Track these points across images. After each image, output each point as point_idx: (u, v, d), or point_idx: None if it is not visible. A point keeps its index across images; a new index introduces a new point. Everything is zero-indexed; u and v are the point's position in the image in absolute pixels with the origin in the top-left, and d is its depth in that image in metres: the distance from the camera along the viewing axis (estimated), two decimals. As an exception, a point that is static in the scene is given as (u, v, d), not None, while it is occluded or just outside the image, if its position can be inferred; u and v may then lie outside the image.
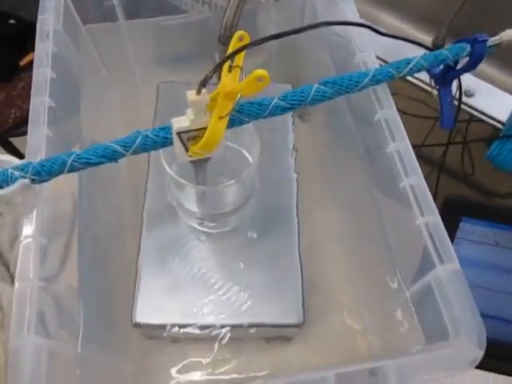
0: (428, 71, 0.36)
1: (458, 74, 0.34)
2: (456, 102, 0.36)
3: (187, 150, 0.28)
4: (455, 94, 0.42)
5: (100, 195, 0.40)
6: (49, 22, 0.36)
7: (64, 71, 0.36)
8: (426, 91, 0.50)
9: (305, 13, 0.44)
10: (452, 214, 0.36)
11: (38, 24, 0.36)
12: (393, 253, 0.32)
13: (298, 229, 0.37)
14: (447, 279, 0.25)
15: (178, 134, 0.27)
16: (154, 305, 0.33)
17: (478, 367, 0.37)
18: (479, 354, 0.24)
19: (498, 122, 0.46)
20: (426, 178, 0.29)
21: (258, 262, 0.35)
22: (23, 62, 0.54)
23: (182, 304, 0.34)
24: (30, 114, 0.31)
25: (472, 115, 0.47)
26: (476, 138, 0.46)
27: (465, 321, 0.24)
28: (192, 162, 0.29)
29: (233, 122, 0.29)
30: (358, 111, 0.37)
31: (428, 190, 0.28)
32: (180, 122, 0.27)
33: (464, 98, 0.47)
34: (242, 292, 0.34)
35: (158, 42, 0.45)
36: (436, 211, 0.27)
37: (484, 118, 0.46)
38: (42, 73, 0.33)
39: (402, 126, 0.31)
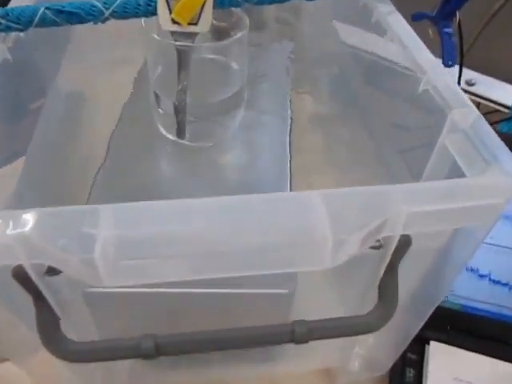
0: (426, 16, 0.36)
1: (453, 7, 0.33)
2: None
3: (171, 12, 0.26)
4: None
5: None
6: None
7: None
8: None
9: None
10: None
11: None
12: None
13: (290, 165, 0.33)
14: (468, 119, 0.21)
15: (163, -16, 0.25)
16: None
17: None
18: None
19: (501, 105, 0.44)
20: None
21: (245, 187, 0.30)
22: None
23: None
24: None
25: (479, 104, 0.46)
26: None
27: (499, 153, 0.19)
28: (174, 34, 0.27)
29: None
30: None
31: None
32: (165, -28, 0.25)
33: (467, 87, 0.47)
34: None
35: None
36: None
37: (486, 102, 0.45)
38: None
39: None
